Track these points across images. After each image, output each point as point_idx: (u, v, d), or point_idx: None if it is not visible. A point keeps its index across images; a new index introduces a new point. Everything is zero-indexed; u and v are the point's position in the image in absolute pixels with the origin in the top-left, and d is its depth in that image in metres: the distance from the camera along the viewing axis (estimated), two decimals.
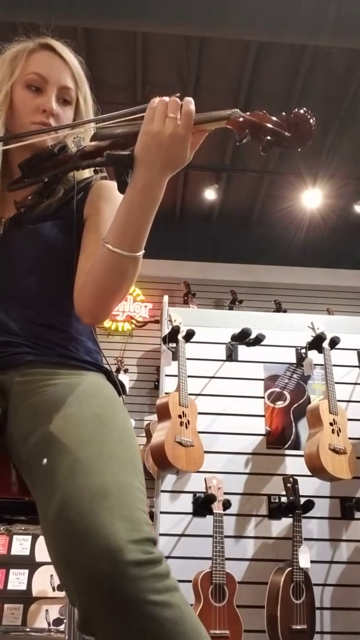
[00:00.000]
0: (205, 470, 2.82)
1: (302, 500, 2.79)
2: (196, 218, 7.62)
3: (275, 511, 2.95)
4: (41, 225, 1.21)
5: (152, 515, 2.85)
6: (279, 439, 3.14)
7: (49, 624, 2.56)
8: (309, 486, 2.93)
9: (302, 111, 0.98)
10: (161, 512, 2.88)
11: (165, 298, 3.53)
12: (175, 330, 3.08)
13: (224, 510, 2.73)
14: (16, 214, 1.21)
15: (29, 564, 2.69)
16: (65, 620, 1.22)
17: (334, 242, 7.30)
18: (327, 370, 3.02)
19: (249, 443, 3.11)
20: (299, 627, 2.56)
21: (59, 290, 1.18)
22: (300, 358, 3.28)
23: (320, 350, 3.10)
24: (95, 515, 0.81)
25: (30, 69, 1.23)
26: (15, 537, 2.74)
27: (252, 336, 3.20)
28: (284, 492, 2.86)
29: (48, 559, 2.77)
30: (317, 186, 6.63)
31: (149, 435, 4.48)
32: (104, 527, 0.80)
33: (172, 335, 3.09)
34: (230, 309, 6.67)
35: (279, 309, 6.40)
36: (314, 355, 3.17)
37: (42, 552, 2.73)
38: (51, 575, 2.67)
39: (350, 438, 2.89)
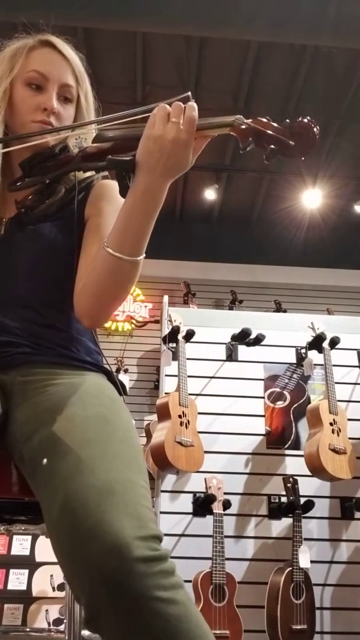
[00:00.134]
0: (205, 470, 2.82)
1: (302, 500, 2.79)
2: (196, 218, 7.62)
3: (275, 511, 2.95)
4: (42, 225, 1.20)
5: None
6: (279, 439, 3.14)
7: (49, 624, 2.56)
8: (309, 486, 2.93)
9: (306, 120, 0.97)
10: (161, 512, 2.88)
11: (165, 298, 3.53)
12: (175, 330, 3.08)
13: (224, 510, 2.73)
14: (17, 214, 1.21)
15: (29, 564, 2.69)
16: (65, 620, 1.22)
17: (334, 242, 7.30)
18: (327, 370, 3.02)
19: (249, 443, 3.11)
20: (299, 627, 2.56)
21: (60, 291, 1.17)
22: (300, 358, 3.27)
23: (320, 350, 3.10)
24: (101, 512, 0.81)
25: (30, 66, 1.22)
26: (15, 537, 2.74)
27: (252, 336, 3.20)
28: (284, 492, 2.86)
29: (48, 559, 2.78)
30: (317, 186, 6.63)
31: (149, 435, 4.48)
32: (111, 523, 0.80)
33: (172, 335, 3.09)
34: (230, 309, 6.68)
35: (279, 309, 6.41)
36: (314, 355, 3.17)
37: (42, 552, 2.73)
38: (51, 576, 2.67)
39: (350, 438, 2.89)
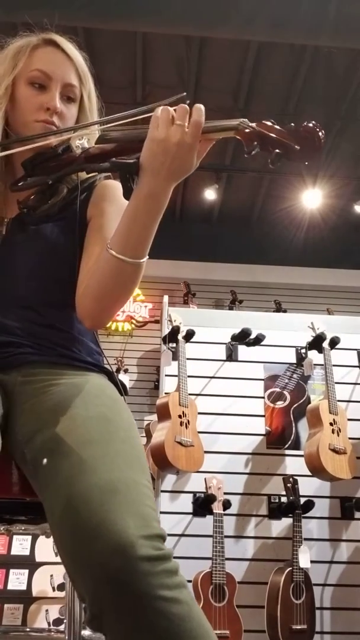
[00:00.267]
0: (205, 470, 2.82)
1: (302, 500, 2.79)
2: (196, 218, 7.62)
3: (275, 511, 2.95)
4: (44, 225, 1.20)
5: None
6: (279, 439, 3.14)
7: (49, 624, 2.55)
8: (309, 486, 2.93)
9: (311, 124, 0.97)
10: (161, 512, 2.88)
11: (165, 298, 3.53)
12: (175, 330, 3.08)
13: (224, 510, 2.73)
14: (19, 213, 1.20)
15: (29, 564, 2.69)
16: (65, 620, 1.22)
17: (334, 242, 7.31)
18: (327, 370, 3.02)
19: (249, 443, 3.11)
20: (299, 627, 2.56)
21: (61, 291, 1.17)
22: (300, 358, 3.27)
23: (320, 350, 3.10)
24: (105, 511, 0.81)
25: (33, 65, 1.21)
26: (15, 537, 2.74)
27: (252, 336, 3.20)
28: (284, 492, 2.86)
29: (48, 559, 2.78)
30: (317, 186, 6.63)
31: (149, 435, 4.48)
32: (114, 522, 0.80)
33: (172, 335, 3.09)
34: (230, 309, 6.68)
35: (279, 309, 6.41)
36: (314, 355, 3.17)
37: (42, 552, 2.73)
38: (51, 576, 2.67)
39: (350, 438, 2.89)
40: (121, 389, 1.17)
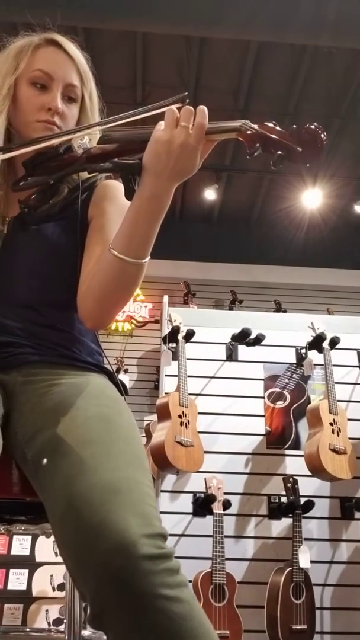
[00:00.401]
0: (205, 470, 2.82)
1: (302, 500, 2.79)
2: (196, 218, 7.62)
3: (275, 511, 2.95)
4: (45, 225, 1.20)
5: None
6: (279, 439, 3.14)
7: (49, 624, 2.55)
8: (309, 486, 2.93)
9: (313, 126, 0.97)
10: (161, 512, 2.88)
11: (165, 298, 3.53)
12: (175, 330, 3.08)
13: (224, 510, 2.73)
14: (20, 213, 1.20)
15: (29, 564, 2.69)
16: (65, 620, 1.22)
17: (334, 242, 7.31)
18: (327, 370, 3.01)
19: (249, 443, 3.11)
20: (299, 627, 2.56)
21: (62, 291, 1.17)
22: (300, 358, 3.27)
23: (320, 350, 3.10)
24: (107, 510, 0.82)
25: (35, 65, 1.21)
26: (15, 537, 2.74)
27: (252, 336, 3.20)
28: (284, 492, 2.86)
29: (48, 559, 2.78)
30: (317, 186, 6.63)
31: (149, 435, 4.48)
32: (116, 521, 0.80)
33: (172, 335, 3.09)
34: (230, 309, 6.68)
35: (279, 309, 6.41)
36: (314, 355, 3.17)
37: (42, 552, 2.72)
38: (51, 576, 2.67)
39: (350, 438, 2.88)
40: (121, 389, 1.17)
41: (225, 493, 2.77)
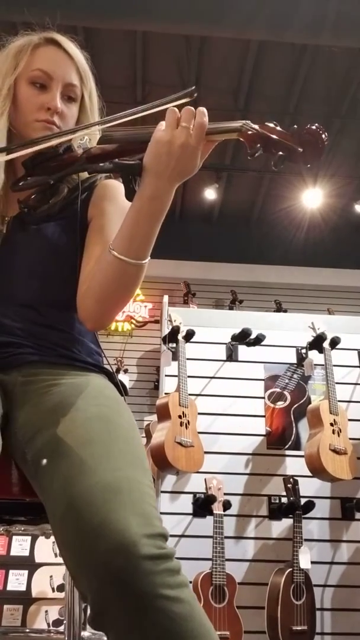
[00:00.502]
0: (205, 471, 2.81)
1: (303, 500, 2.78)
2: (196, 218, 7.62)
3: (276, 512, 2.95)
4: (45, 225, 1.20)
5: None
6: (279, 439, 3.14)
7: (48, 624, 2.55)
8: (309, 487, 2.93)
9: (314, 127, 0.97)
10: (161, 513, 2.87)
11: (165, 298, 3.52)
12: (175, 330, 3.07)
13: (224, 510, 2.73)
14: (19, 213, 1.20)
15: (29, 564, 2.68)
16: (64, 621, 1.21)
17: (335, 241, 7.30)
18: (328, 370, 3.01)
19: (249, 443, 3.10)
20: (299, 628, 2.55)
21: (61, 291, 1.17)
22: (301, 358, 3.27)
23: (321, 350, 3.09)
24: (108, 510, 0.81)
25: (34, 65, 1.21)
26: (14, 537, 2.74)
27: (252, 336, 3.19)
28: (284, 493, 2.85)
29: (47, 560, 2.77)
30: (318, 185, 6.63)
31: (148, 436, 4.48)
32: (117, 521, 0.80)
33: (172, 335, 3.08)
34: (230, 309, 6.68)
35: (279, 309, 6.40)
36: (314, 356, 3.17)
37: (41, 553, 2.72)
38: (50, 576, 2.66)
39: (350, 438, 2.88)
40: (121, 389, 1.16)
41: (225, 494, 2.77)
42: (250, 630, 2.58)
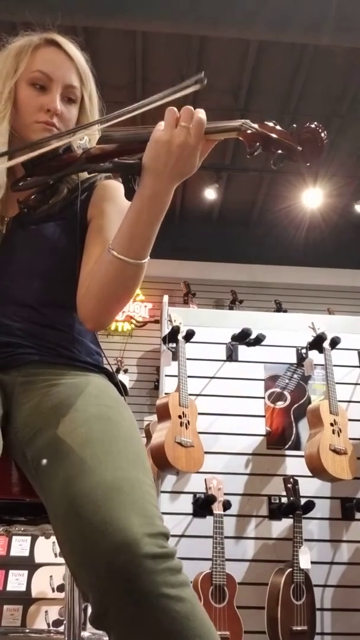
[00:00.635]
0: (205, 471, 2.81)
1: (303, 500, 2.78)
2: (196, 218, 7.61)
3: (276, 512, 2.95)
4: (44, 225, 1.20)
5: None
6: (279, 439, 3.14)
7: (48, 625, 2.55)
8: (309, 487, 2.92)
9: (313, 125, 0.97)
10: (161, 513, 2.87)
11: (165, 298, 3.52)
12: (175, 330, 3.07)
13: (224, 510, 2.73)
14: (19, 213, 1.20)
15: (29, 565, 2.68)
16: (64, 622, 1.21)
17: (335, 241, 7.29)
18: (328, 370, 3.01)
19: (249, 443, 3.10)
20: (299, 628, 2.55)
21: (61, 291, 1.17)
22: (301, 358, 3.27)
23: (321, 350, 3.09)
24: (109, 509, 0.82)
25: (34, 66, 1.21)
26: (14, 538, 2.74)
27: (253, 336, 3.19)
28: (284, 493, 2.85)
29: (47, 560, 2.77)
30: (318, 185, 6.62)
31: (148, 436, 4.48)
32: (119, 520, 0.80)
33: (172, 335, 3.08)
34: (231, 309, 6.67)
35: (279, 309, 6.40)
36: (314, 356, 3.17)
37: (41, 553, 2.72)
38: (50, 577, 2.66)
39: (350, 438, 2.88)
40: (121, 389, 1.17)
41: (225, 494, 2.77)
42: (250, 630, 2.58)
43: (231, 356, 3.28)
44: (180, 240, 6.67)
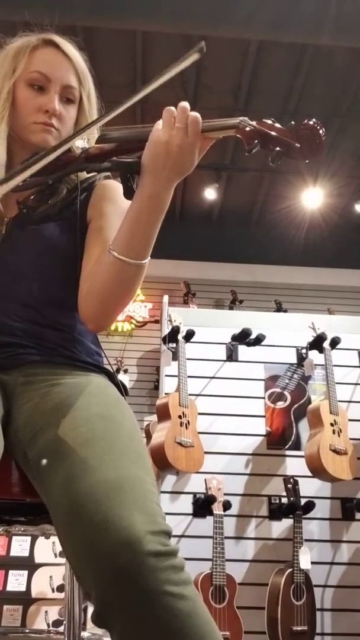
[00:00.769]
0: (205, 471, 2.81)
1: (303, 501, 2.78)
2: (196, 218, 7.61)
3: (276, 512, 2.94)
4: (44, 225, 1.20)
5: None
6: (279, 439, 3.14)
7: (48, 625, 2.55)
8: (309, 487, 2.92)
9: (311, 122, 0.97)
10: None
11: (165, 298, 3.52)
12: (175, 330, 3.07)
13: (224, 511, 2.72)
14: (18, 213, 1.20)
15: (28, 565, 2.68)
16: (64, 622, 1.21)
17: (335, 241, 7.29)
18: (328, 370, 3.01)
19: (250, 444, 3.10)
20: (299, 628, 2.55)
21: (61, 291, 1.17)
22: (301, 358, 3.27)
23: (321, 350, 3.09)
24: (112, 507, 0.82)
25: (33, 67, 1.21)
26: (14, 538, 2.73)
27: (253, 336, 3.19)
28: (284, 493, 2.85)
29: (47, 561, 2.77)
30: (318, 185, 6.62)
31: (148, 436, 4.47)
32: (122, 517, 0.81)
33: (172, 335, 3.08)
34: (231, 308, 6.67)
35: (279, 308, 6.40)
36: (314, 356, 3.16)
37: (41, 554, 2.72)
38: (50, 577, 2.66)
39: (351, 439, 2.88)
40: (121, 389, 1.17)
41: (225, 494, 2.76)
42: (250, 630, 2.58)
43: (231, 356, 3.28)
44: (180, 240, 6.67)
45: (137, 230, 1.03)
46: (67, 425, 0.96)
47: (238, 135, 1.00)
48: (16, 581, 2.63)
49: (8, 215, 1.22)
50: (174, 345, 3.08)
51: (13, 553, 2.72)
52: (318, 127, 0.97)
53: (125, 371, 6.42)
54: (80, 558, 0.82)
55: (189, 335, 3.09)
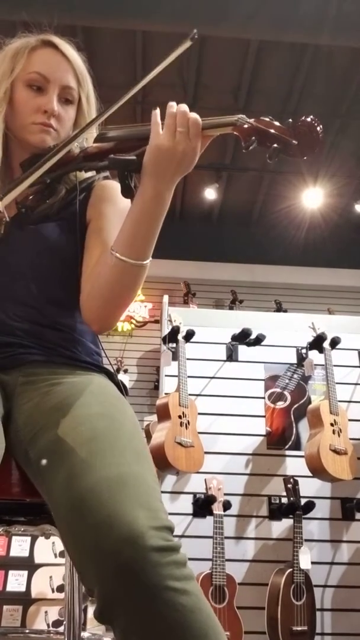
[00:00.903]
0: (205, 471, 2.81)
1: (303, 501, 2.78)
2: (196, 218, 7.61)
3: (276, 512, 2.94)
4: (42, 225, 1.20)
5: None
6: (279, 439, 3.13)
7: (48, 625, 2.55)
8: (309, 487, 2.92)
9: (309, 119, 0.97)
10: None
11: (165, 298, 3.52)
12: (175, 330, 3.07)
13: (224, 511, 2.72)
14: (17, 213, 1.20)
15: (28, 565, 2.68)
16: (64, 622, 1.21)
17: (335, 241, 7.29)
18: (328, 370, 3.01)
19: (250, 444, 3.10)
20: (299, 628, 2.55)
21: (61, 291, 1.18)
22: (301, 358, 3.27)
23: (321, 350, 3.09)
24: (115, 503, 0.82)
25: (31, 67, 1.21)
26: (14, 538, 2.73)
27: (253, 336, 3.19)
28: (284, 493, 2.85)
29: (47, 561, 2.77)
30: (318, 185, 6.62)
31: (148, 436, 4.47)
32: (124, 513, 0.81)
33: (172, 335, 3.08)
34: (231, 308, 6.67)
35: (279, 309, 6.40)
36: (314, 356, 3.16)
37: (41, 554, 2.72)
38: (50, 577, 2.66)
39: (351, 439, 2.88)
40: (122, 389, 1.17)
41: (225, 494, 2.76)
42: (250, 630, 2.58)
43: (231, 356, 3.27)
44: (180, 240, 6.67)
45: (139, 231, 1.03)
46: (68, 425, 0.96)
47: (235, 133, 1.00)
48: (16, 581, 2.63)
49: (7, 215, 1.22)
50: (174, 345, 3.08)
51: (13, 553, 2.72)
52: (315, 124, 0.97)
53: (125, 371, 6.42)
54: (83, 554, 0.83)
55: (189, 335, 3.09)
